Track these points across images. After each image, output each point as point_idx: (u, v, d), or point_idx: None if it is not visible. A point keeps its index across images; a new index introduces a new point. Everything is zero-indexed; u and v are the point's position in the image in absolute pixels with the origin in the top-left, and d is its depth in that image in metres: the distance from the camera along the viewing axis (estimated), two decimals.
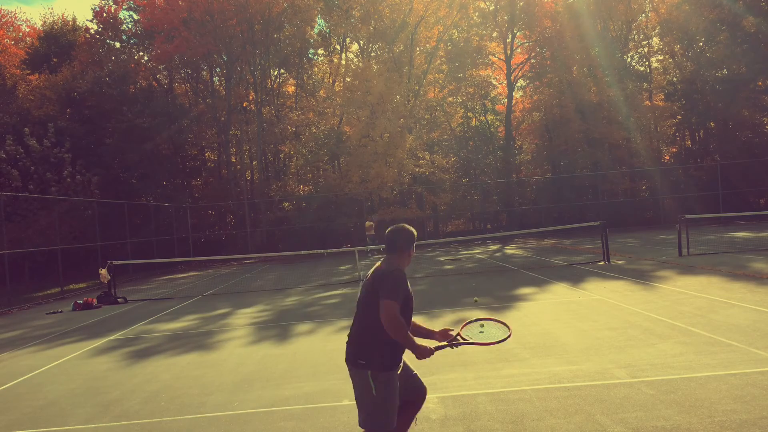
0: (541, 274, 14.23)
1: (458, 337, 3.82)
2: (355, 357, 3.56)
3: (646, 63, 37.77)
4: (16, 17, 54.25)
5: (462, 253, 23.46)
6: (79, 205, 23.73)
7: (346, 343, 3.69)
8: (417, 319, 3.83)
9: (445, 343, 3.77)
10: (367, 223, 26.89)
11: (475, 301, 8.64)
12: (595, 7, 33.97)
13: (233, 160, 34.71)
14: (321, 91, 36.13)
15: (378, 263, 3.73)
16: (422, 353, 3.55)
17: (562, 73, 34.29)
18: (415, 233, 3.80)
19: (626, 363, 5.99)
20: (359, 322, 3.63)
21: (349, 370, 3.64)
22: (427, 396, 3.91)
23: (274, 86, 35.89)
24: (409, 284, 3.63)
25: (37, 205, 22.94)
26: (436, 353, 3.67)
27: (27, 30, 40.19)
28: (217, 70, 35.01)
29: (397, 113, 30.86)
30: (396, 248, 3.68)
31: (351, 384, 3.54)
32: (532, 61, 37.02)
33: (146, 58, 34.04)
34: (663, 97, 35.81)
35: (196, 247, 30.20)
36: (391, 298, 3.43)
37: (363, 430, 3.61)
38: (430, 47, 35.05)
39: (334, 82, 35.79)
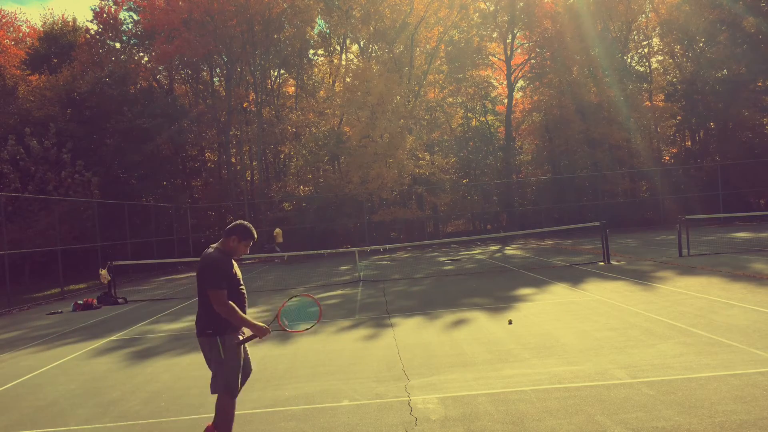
0: (541, 274, 14.23)
1: (278, 323, 4.49)
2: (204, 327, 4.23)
3: (646, 63, 37.80)
4: (16, 18, 54.26)
5: (462, 253, 23.45)
6: (79, 205, 23.73)
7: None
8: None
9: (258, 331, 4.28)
10: (277, 230, 27.24)
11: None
12: (595, 7, 33.99)
13: (233, 160, 34.71)
14: (321, 92, 36.14)
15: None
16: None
17: (562, 74, 34.31)
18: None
19: (626, 363, 5.99)
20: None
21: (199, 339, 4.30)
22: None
23: (274, 87, 35.90)
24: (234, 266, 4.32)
25: (37, 206, 22.95)
26: None
27: (27, 30, 40.19)
28: (218, 70, 35.02)
29: (397, 114, 30.86)
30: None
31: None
32: (532, 61, 37.03)
33: (146, 59, 34.07)
34: (663, 97, 35.82)
35: (197, 248, 30.16)
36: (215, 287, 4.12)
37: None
38: (430, 48, 35.06)
39: (334, 82, 35.80)
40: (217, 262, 4.23)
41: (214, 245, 4.41)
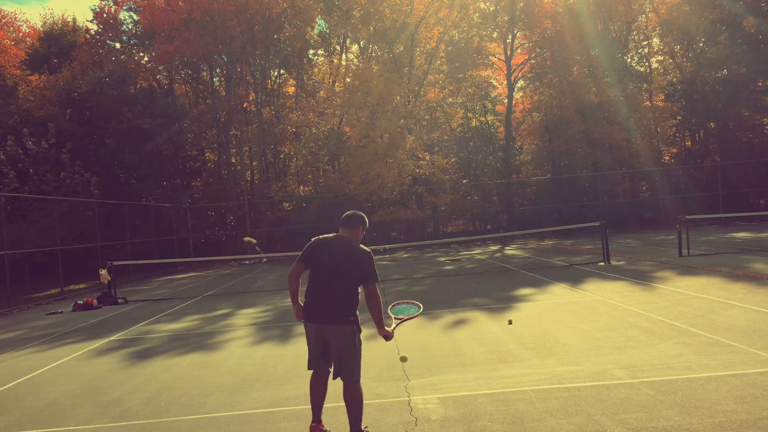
0: (541, 274, 14.23)
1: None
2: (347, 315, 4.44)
3: (647, 63, 37.80)
4: (16, 18, 54.22)
5: (462, 253, 23.45)
6: (79, 205, 23.73)
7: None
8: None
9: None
10: (246, 238, 27.83)
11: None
12: (595, 7, 34.00)
13: (233, 160, 34.71)
14: (321, 92, 36.14)
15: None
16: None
17: (562, 74, 34.32)
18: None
19: (626, 364, 5.99)
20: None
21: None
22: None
23: (274, 87, 35.91)
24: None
25: (37, 206, 22.95)
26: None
27: (27, 30, 40.20)
28: (218, 70, 35.02)
29: (397, 114, 30.87)
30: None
31: None
32: (533, 61, 37.04)
33: (146, 59, 34.05)
34: (663, 97, 35.82)
35: (197, 248, 30.19)
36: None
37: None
38: (430, 48, 35.07)
39: (334, 82, 35.81)
40: (373, 257, 4.47)
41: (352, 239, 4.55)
